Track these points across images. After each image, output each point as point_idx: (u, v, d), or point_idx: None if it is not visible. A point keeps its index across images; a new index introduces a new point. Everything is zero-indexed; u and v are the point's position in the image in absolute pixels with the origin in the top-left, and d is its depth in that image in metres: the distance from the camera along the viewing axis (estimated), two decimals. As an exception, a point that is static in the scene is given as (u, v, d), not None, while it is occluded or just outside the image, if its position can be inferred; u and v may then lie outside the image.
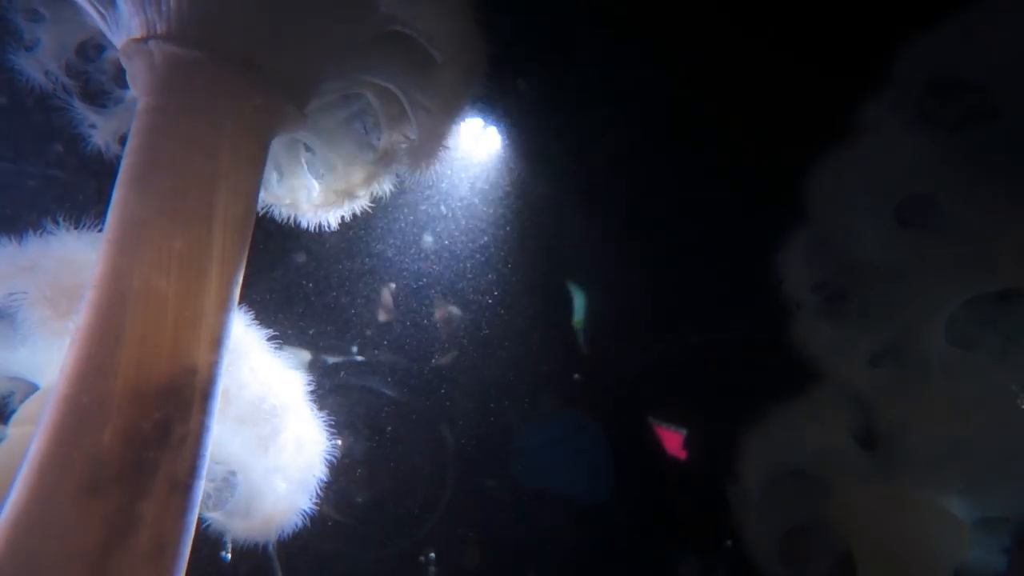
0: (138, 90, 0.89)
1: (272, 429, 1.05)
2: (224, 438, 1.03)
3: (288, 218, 1.14)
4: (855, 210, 1.37)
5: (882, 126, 1.34)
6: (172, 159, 0.84)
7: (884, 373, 1.40)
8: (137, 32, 0.88)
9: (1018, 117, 1.25)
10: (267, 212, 1.14)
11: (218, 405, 0.98)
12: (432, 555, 1.88)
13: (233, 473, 1.14)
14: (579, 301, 2.00)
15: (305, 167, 1.16)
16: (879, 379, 1.41)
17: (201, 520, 1.06)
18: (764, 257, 1.48)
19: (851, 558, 1.50)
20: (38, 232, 1.00)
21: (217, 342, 0.85)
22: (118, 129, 1.04)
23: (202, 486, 0.81)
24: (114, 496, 0.71)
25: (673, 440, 1.96)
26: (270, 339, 1.10)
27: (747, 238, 1.75)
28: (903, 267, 1.35)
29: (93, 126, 1.02)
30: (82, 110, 1.02)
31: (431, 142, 0.98)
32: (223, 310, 0.87)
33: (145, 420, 0.75)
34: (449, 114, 0.96)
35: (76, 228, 1.00)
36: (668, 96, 1.80)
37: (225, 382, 1.00)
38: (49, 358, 1.02)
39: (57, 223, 1.00)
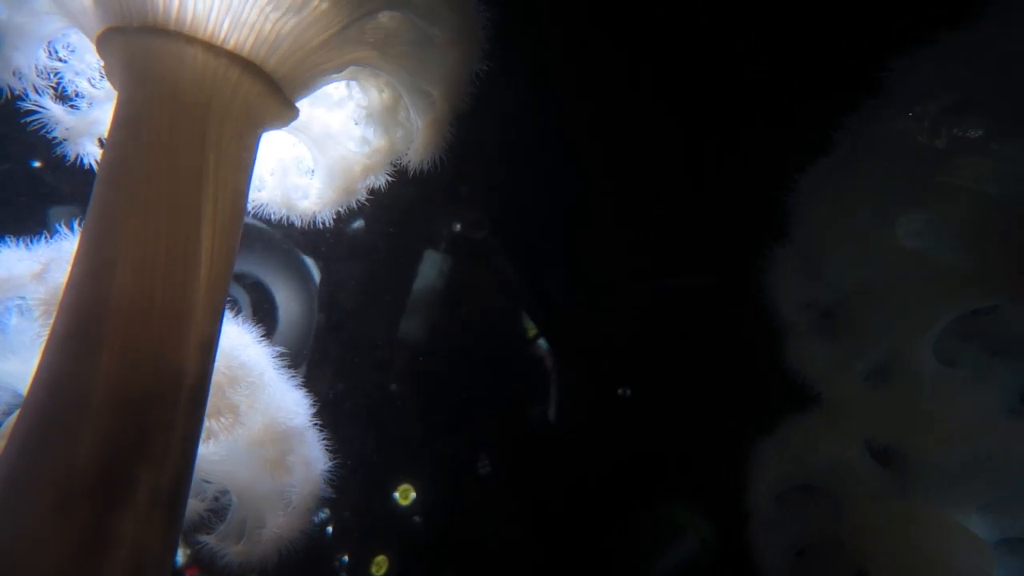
0: (116, 83, 0.84)
1: (280, 451, 0.99)
2: (226, 458, 0.97)
3: (281, 218, 1.08)
4: (842, 226, 1.31)
5: (873, 138, 1.30)
6: (155, 153, 0.79)
7: (879, 393, 1.35)
8: (113, 21, 0.82)
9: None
10: (259, 212, 1.08)
11: (228, 422, 0.93)
12: (345, 559, 1.79)
13: (224, 492, 1.07)
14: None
15: (298, 165, 1.10)
16: (875, 399, 1.36)
17: (193, 543, 1.00)
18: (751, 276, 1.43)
19: (867, 578, 1.44)
20: (48, 236, 0.95)
21: (207, 346, 0.79)
22: (96, 132, 0.99)
23: (187, 502, 0.74)
24: (87, 511, 0.65)
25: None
26: (278, 355, 1.05)
27: (731, 254, 1.70)
28: (894, 283, 1.31)
29: (68, 129, 0.96)
30: (56, 112, 0.95)
31: (435, 128, 0.93)
32: (212, 312, 0.81)
33: (125, 429, 0.69)
34: (453, 97, 0.91)
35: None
36: (643, 99, 1.74)
37: (238, 397, 0.94)
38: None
39: (72, 227, 0.94)
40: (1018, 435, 1.30)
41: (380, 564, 1.80)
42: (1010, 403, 1.31)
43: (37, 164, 1.45)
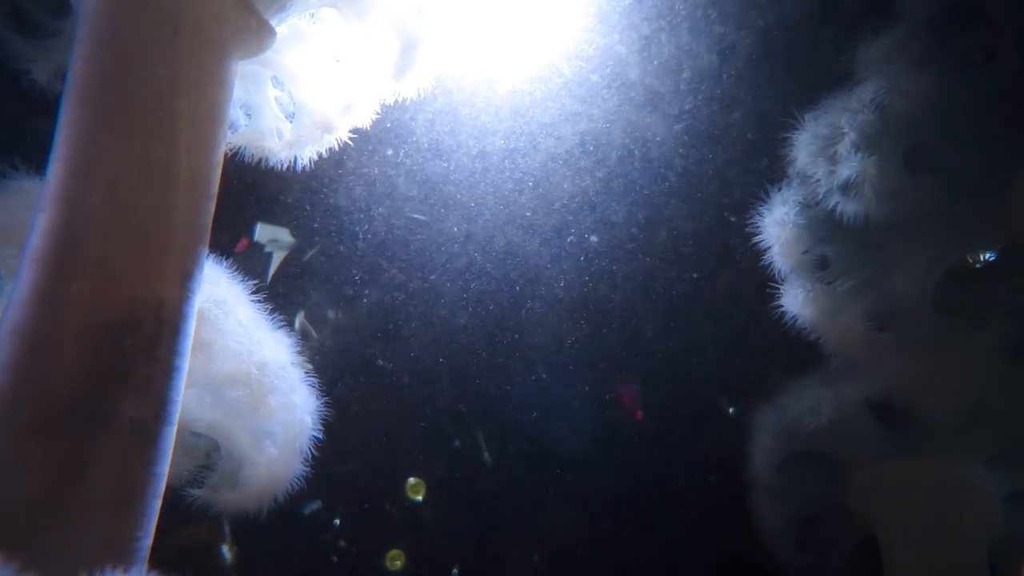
0: (79, -4, 0.78)
1: (260, 389, 0.94)
2: (206, 402, 0.93)
3: (257, 160, 1.04)
4: (845, 163, 1.28)
5: (880, 68, 1.26)
6: (124, 68, 0.75)
7: (878, 339, 1.32)
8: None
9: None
10: (236, 154, 1.03)
11: (201, 360, 0.88)
12: (342, 543, 1.74)
13: (215, 449, 1.03)
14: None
15: (275, 105, 1.06)
16: (877, 345, 1.33)
17: (186, 496, 0.95)
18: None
19: (873, 543, 1.40)
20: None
21: (187, 273, 0.74)
22: (58, 63, 0.93)
23: (173, 438, 0.71)
24: (65, 437, 0.62)
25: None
26: (255, 292, 1.00)
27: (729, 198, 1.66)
28: (898, 224, 1.28)
29: (32, 60, 0.91)
30: (15, 43, 0.90)
31: (414, 51, 0.89)
32: (193, 239, 0.76)
33: (102, 356, 0.65)
34: (433, 15, 0.87)
35: (36, 172, 0.89)
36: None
37: (210, 335, 0.90)
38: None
39: (15, 166, 0.89)
40: (1019, 383, 1.28)
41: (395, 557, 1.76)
42: (1010, 352, 1.29)
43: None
